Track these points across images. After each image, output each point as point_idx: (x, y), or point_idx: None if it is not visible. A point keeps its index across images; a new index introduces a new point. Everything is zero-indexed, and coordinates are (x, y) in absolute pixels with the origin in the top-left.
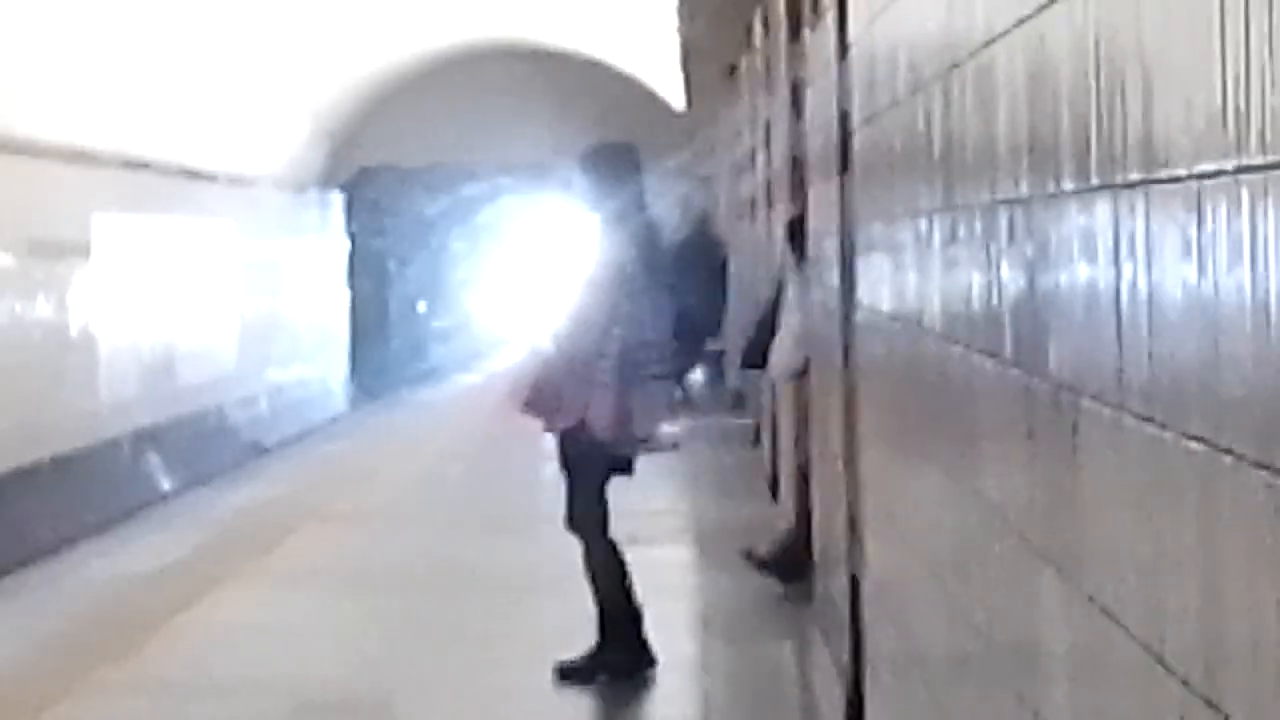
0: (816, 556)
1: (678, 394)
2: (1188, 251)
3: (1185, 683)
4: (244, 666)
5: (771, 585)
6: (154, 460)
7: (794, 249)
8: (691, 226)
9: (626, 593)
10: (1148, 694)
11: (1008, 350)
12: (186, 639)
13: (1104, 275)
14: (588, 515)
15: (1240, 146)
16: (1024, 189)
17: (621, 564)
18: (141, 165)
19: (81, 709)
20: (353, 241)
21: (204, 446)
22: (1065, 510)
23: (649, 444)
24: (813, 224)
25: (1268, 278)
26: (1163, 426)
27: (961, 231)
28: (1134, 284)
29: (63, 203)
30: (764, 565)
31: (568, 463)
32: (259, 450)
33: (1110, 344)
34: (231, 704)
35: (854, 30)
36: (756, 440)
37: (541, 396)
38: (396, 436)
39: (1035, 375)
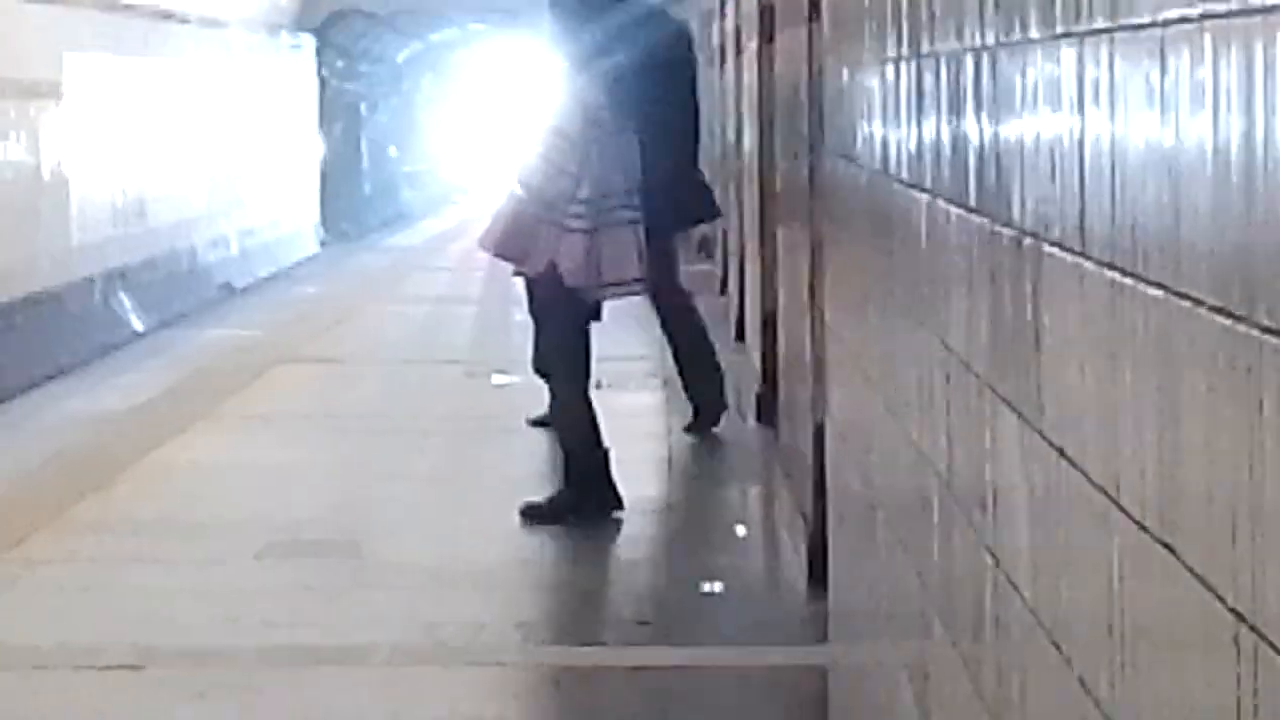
0: (781, 403)
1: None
2: (1151, 99)
3: (1141, 526)
4: (214, 506)
5: (737, 431)
6: (126, 300)
7: None
8: (668, 49)
9: (595, 436)
10: (1104, 537)
11: (972, 198)
12: (158, 478)
13: (1068, 123)
14: (555, 358)
15: None
16: (990, 37)
17: (589, 407)
18: (114, 6)
19: (53, 546)
20: (323, 86)
21: (176, 287)
22: (1027, 356)
23: (618, 289)
24: (780, 71)
25: (1229, 126)
26: (1123, 273)
27: (928, 80)
28: (1098, 132)
29: (35, 43)
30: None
31: (536, 306)
32: (230, 291)
33: (1073, 192)
34: (202, 543)
35: None
36: (724, 288)
37: (513, 240)
38: (368, 279)
39: (999, 223)
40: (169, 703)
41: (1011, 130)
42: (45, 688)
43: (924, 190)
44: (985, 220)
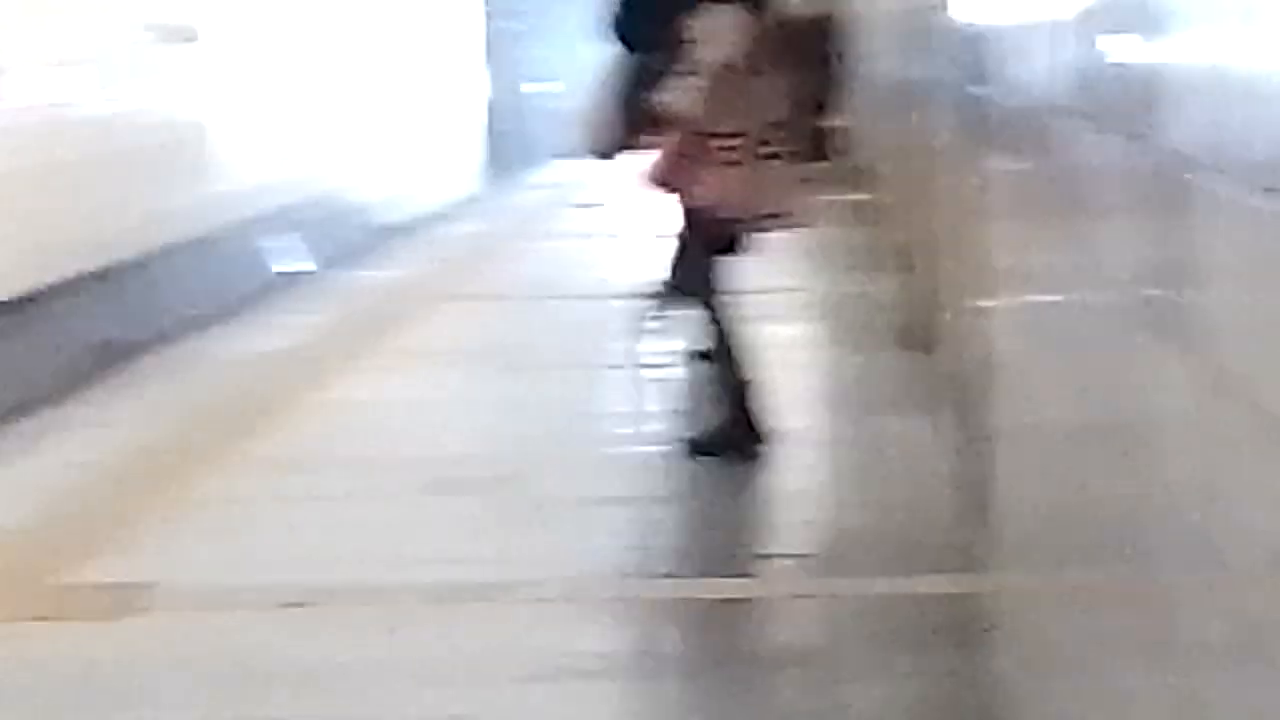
0: (943, 332)
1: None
2: None
3: None
4: (377, 443)
5: (902, 361)
6: (285, 238)
7: None
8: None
9: (747, 367)
10: (1271, 463)
11: (1128, 124)
12: (321, 416)
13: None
14: (700, 282)
15: None
16: None
17: (742, 338)
18: None
19: (219, 486)
20: (489, 22)
21: (337, 228)
22: (1184, 282)
23: (779, 221)
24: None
25: None
26: None
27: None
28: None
29: None
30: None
31: (692, 238)
32: (389, 233)
33: (1231, 117)
34: (366, 479)
35: None
36: (881, 215)
37: (672, 171)
38: (531, 218)
39: (1155, 148)
40: (333, 640)
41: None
42: (211, 628)
43: (1080, 117)
44: (1141, 144)
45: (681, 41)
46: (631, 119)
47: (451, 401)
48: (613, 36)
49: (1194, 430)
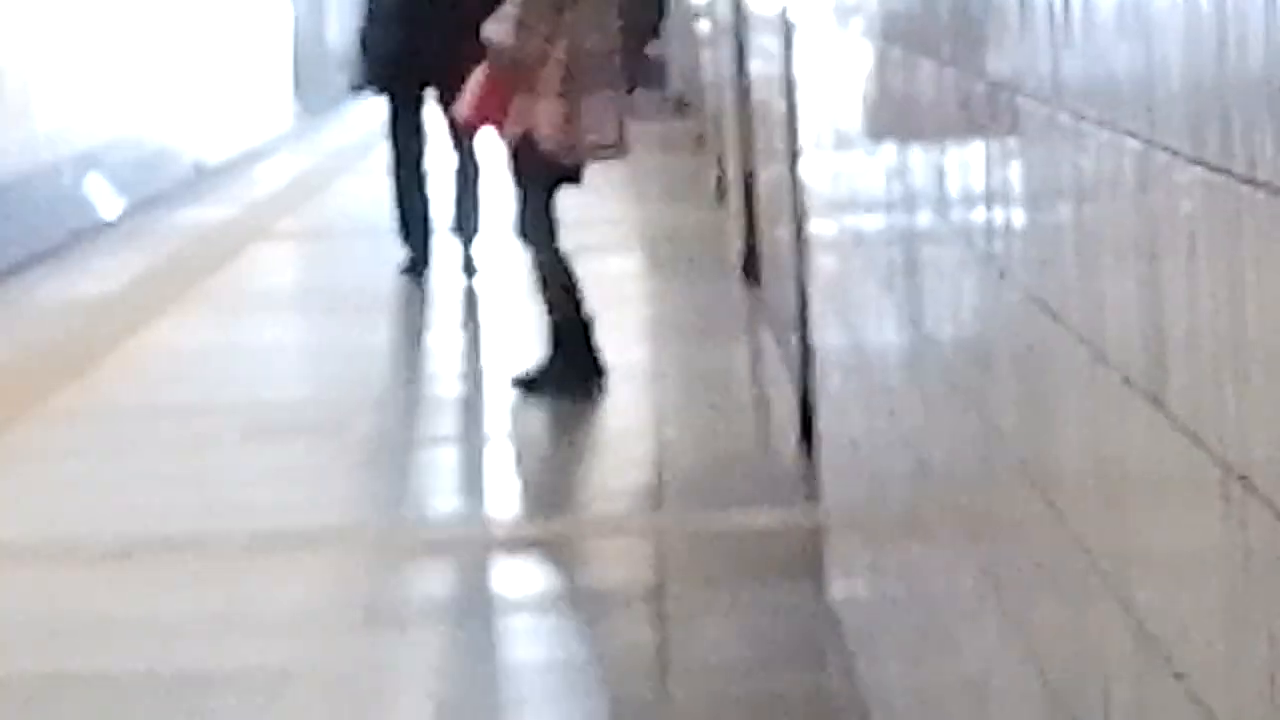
0: (764, 261)
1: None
2: None
3: (1126, 379)
4: (197, 389)
5: (721, 290)
6: (97, 181)
7: None
8: None
9: (576, 303)
10: (1091, 389)
11: (946, 53)
12: (139, 363)
13: None
14: (537, 225)
15: None
16: None
17: (569, 274)
18: None
19: (36, 433)
20: None
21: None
22: (1004, 205)
23: (598, 153)
24: None
25: None
26: (1099, 124)
27: None
28: None
29: None
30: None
31: (518, 172)
32: (201, 172)
33: (1046, 45)
34: (185, 426)
35: None
36: (700, 147)
37: (490, 105)
38: (340, 152)
39: (973, 75)
40: (157, 591)
41: None
42: (31, 582)
43: (900, 46)
44: (958, 72)
45: None
46: (382, 58)
47: (269, 346)
48: None
49: (1018, 356)
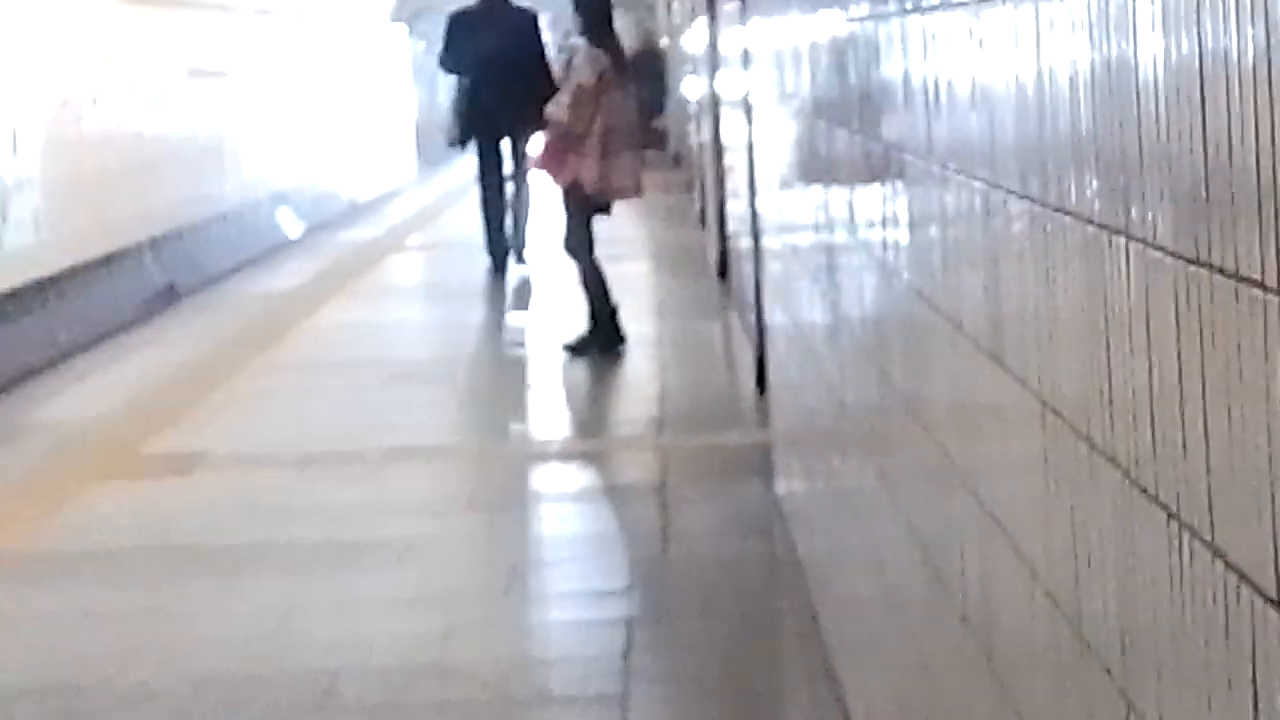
0: (731, 265)
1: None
2: (973, 58)
3: (975, 343)
4: (353, 350)
5: (703, 285)
6: (176, 259)
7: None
8: (640, 41)
9: (606, 294)
10: (952, 351)
11: (856, 124)
12: (315, 333)
13: (916, 75)
14: (580, 243)
15: None
16: (865, 10)
17: (602, 274)
18: (269, 11)
19: (250, 380)
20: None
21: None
22: (894, 227)
23: (623, 194)
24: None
25: (1038, 64)
26: (957, 172)
27: (823, 50)
28: (933, 80)
29: (212, 41)
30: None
31: (567, 206)
32: (355, 207)
33: (922, 119)
34: (346, 375)
35: None
36: (689, 189)
37: (550, 161)
38: (448, 193)
39: (873, 140)
40: (328, 486)
41: (882, 79)
42: (244, 480)
43: (824, 119)
44: (863, 137)
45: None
46: (467, 122)
47: (401, 322)
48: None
49: (903, 329)
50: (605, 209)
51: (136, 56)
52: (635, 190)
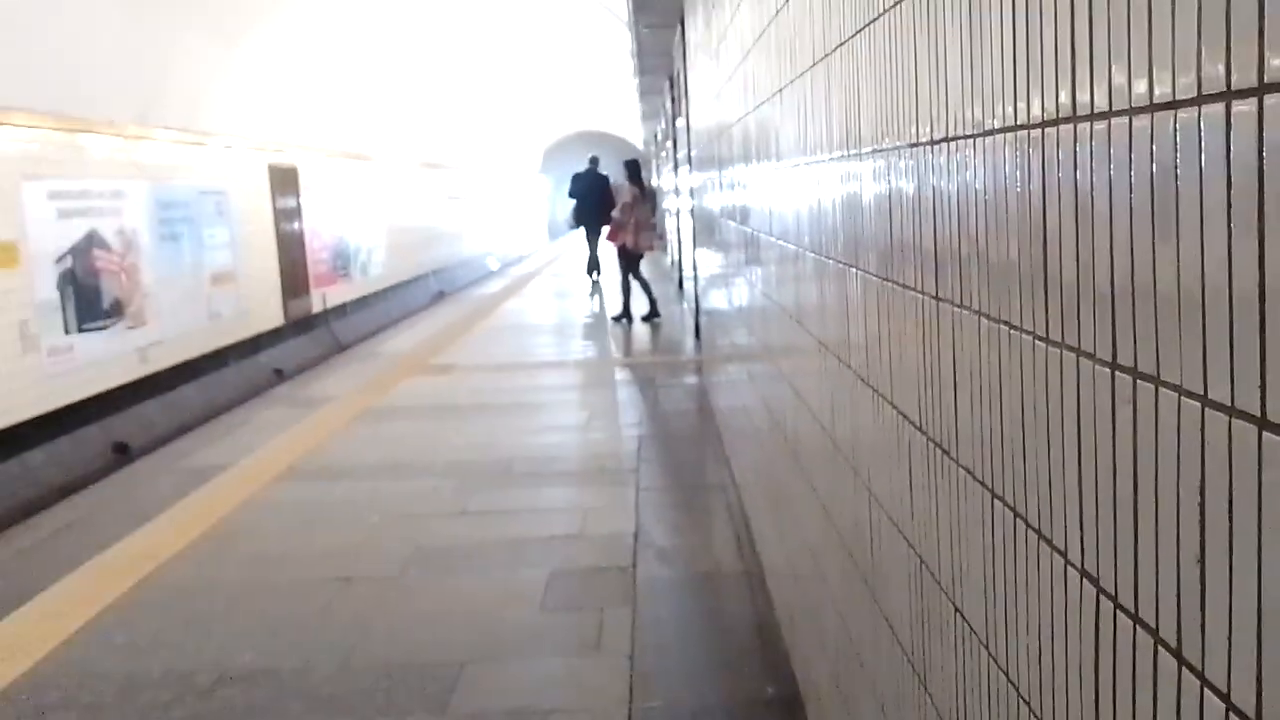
0: (688, 292)
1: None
2: (784, 190)
3: (821, 345)
4: (521, 319)
5: (672, 289)
6: (443, 280)
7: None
8: (645, 182)
9: (650, 296)
10: (815, 354)
11: (736, 219)
12: (502, 313)
13: (762, 194)
14: (623, 274)
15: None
16: (738, 167)
17: (631, 289)
18: (448, 167)
19: (474, 333)
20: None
21: (468, 270)
22: (753, 265)
23: (648, 251)
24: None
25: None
26: (781, 239)
27: (718, 183)
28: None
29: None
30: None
31: (621, 258)
32: (521, 256)
33: (763, 211)
34: (512, 331)
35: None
36: (666, 249)
37: (612, 235)
38: (564, 251)
39: (745, 225)
40: (509, 379)
41: (751, 193)
42: (470, 377)
43: (743, 224)
44: (738, 225)
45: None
46: (575, 220)
47: (534, 315)
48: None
49: (759, 312)
50: (640, 257)
51: (425, 191)
52: (650, 248)
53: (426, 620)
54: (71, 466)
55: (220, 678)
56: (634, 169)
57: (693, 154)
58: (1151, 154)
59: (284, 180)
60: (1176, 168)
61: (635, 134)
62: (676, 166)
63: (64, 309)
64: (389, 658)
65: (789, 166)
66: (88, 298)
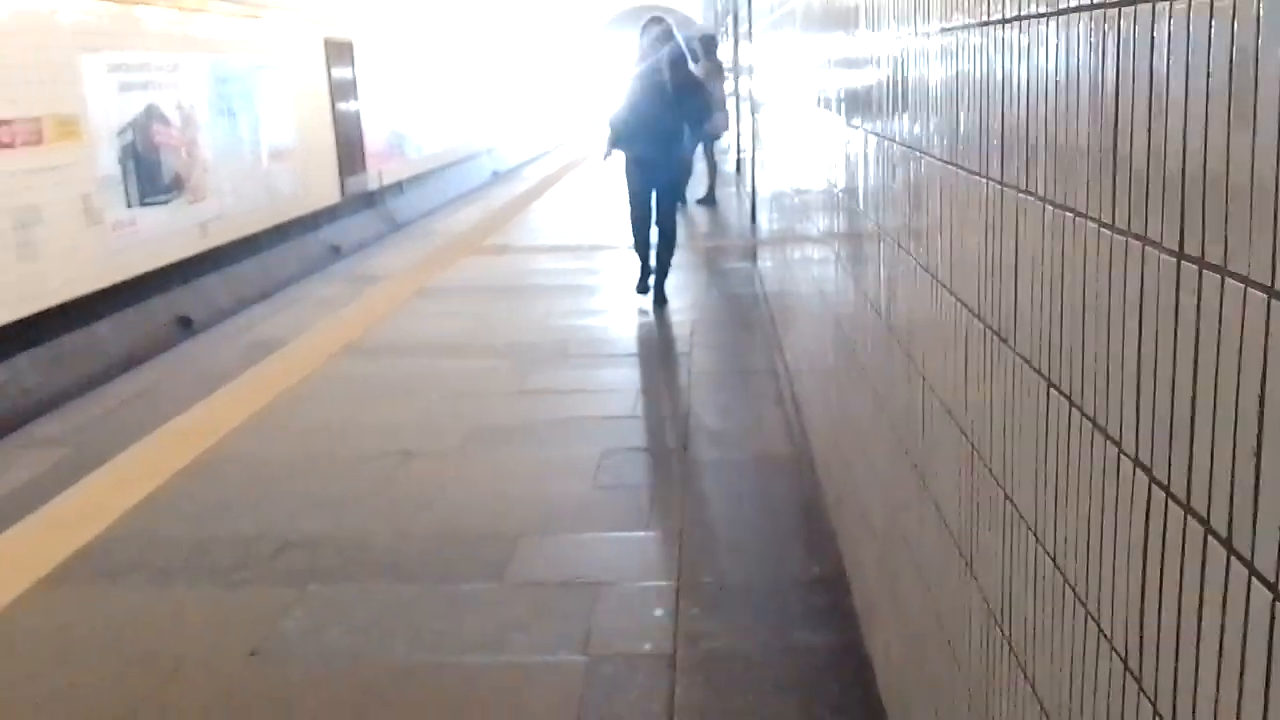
0: (744, 168)
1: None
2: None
3: (852, 206)
4: (523, 239)
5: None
6: (452, 179)
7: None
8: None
9: (713, 179)
10: (835, 210)
11: (827, 103)
12: (553, 196)
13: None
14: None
15: None
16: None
17: (714, 170)
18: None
19: (527, 214)
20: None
21: (471, 174)
22: (826, 157)
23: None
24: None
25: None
26: (843, 122)
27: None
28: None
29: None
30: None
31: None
32: (498, 175)
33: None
34: (522, 254)
35: None
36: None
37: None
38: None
39: (805, 106)
40: (560, 261)
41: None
42: (522, 258)
43: (803, 105)
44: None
45: None
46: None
47: (589, 190)
48: None
49: (814, 198)
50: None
51: (481, 66)
52: (726, 128)
53: (483, 494)
54: (137, 338)
55: (284, 544)
56: (710, 44)
57: (753, 29)
58: (1232, 35)
59: (339, 54)
60: (1257, 51)
61: (694, 9)
62: (737, 43)
63: (125, 183)
64: (446, 528)
65: (852, 44)
66: (149, 172)
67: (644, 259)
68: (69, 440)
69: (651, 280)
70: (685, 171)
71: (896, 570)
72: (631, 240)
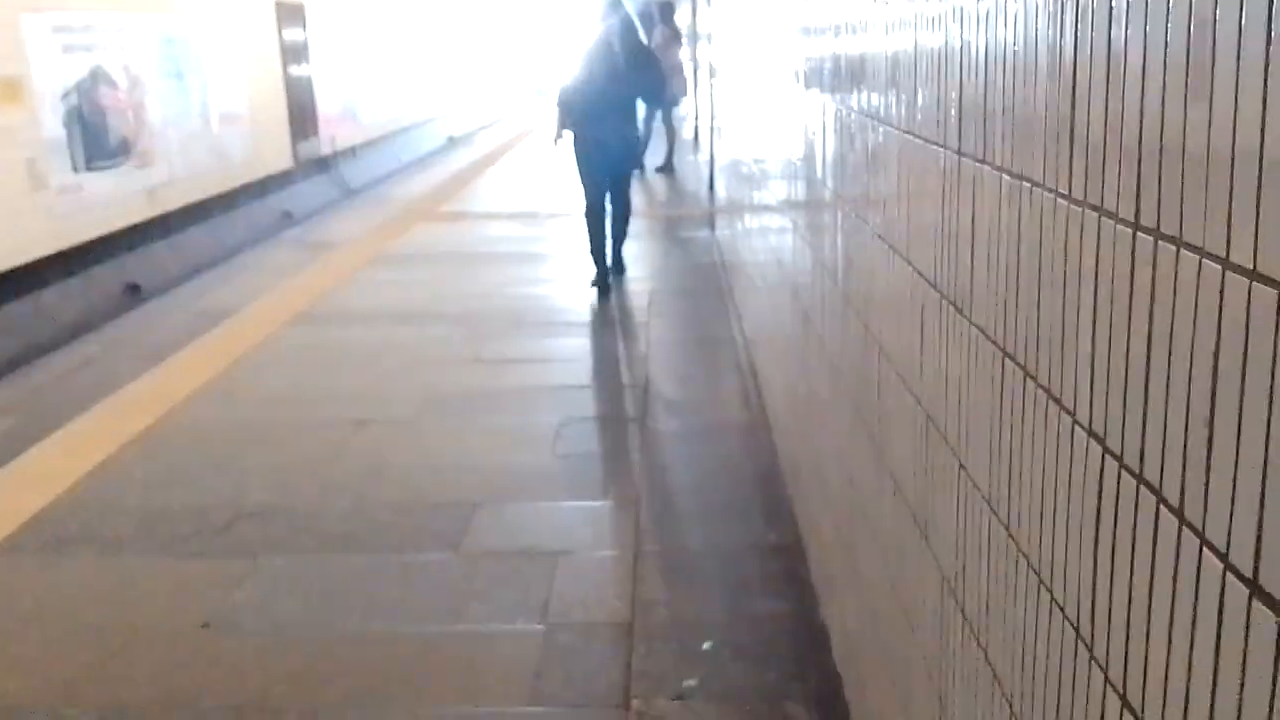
0: (701, 138)
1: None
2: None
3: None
4: (475, 207)
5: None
6: (406, 144)
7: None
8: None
9: (671, 146)
10: (793, 180)
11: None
12: (508, 162)
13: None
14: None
15: None
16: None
17: (672, 137)
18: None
19: (483, 182)
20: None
21: (423, 140)
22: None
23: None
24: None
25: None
26: (802, 90)
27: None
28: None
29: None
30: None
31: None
32: (453, 141)
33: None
34: (472, 222)
35: None
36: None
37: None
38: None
39: (764, 74)
40: (518, 228)
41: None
42: (479, 225)
43: (762, 73)
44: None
45: None
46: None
47: (548, 156)
48: None
49: (766, 169)
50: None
51: (439, 30)
52: (683, 95)
53: (440, 463)
54: (84, 306)
55: (237, 514)
56: (667, 10)
57: None
58: (1190, 6)
59: (291, 16)
60: (1215, 22)
61: None
62: (695, 8)
63: (71, 147)
64: (403, 498)
65: (811, 11)
66: (95, 136)
67: (599, 260)
68: (16, 409)
69: (610, 280)
70: (641, 145)
71: (853, 539)
72: (587, 236)
